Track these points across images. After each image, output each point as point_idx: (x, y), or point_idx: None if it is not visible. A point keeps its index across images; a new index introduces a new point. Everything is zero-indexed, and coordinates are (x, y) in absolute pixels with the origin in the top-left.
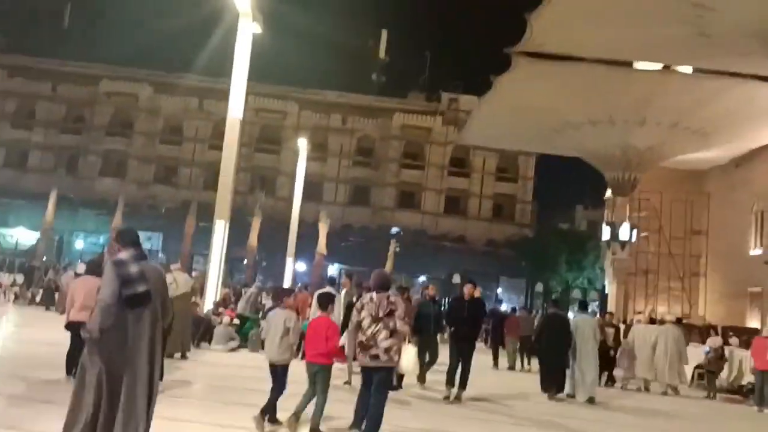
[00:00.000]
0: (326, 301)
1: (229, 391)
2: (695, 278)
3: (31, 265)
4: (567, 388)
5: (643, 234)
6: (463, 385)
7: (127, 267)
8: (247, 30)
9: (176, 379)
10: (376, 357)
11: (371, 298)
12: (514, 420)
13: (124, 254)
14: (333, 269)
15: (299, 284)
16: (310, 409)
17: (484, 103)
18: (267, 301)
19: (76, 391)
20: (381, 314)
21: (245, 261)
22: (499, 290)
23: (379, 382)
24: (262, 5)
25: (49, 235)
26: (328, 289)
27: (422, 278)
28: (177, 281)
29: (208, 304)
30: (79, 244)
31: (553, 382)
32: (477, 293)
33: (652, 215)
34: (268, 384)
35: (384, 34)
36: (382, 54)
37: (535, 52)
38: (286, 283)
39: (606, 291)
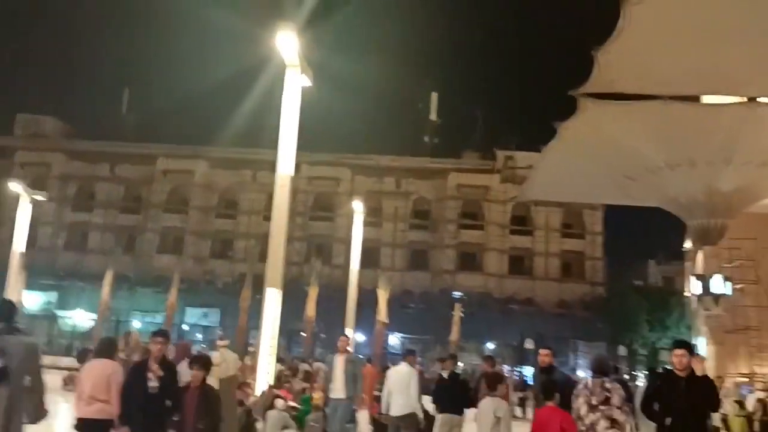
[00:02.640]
0: (552, 389)
1: None
2: None
3: (85, 348)
4: None
5: (738, 286)
6: None
7: None
8: (295, 81)
9: None
10: None
11: (586, 385)
12: None
13: None
14: (394, 339)
15: (361, 357)
16: None
17: (547, 153)
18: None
19: None
20: (596, 402)
21: (303, 334)
22: (574, 355)
23: None
24: (312, 71)
25: (106, 316)
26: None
27: (490, 344)
28: (227, 360)
29: (260, 385)
30: (136, 324)
31: None
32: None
33: (746, 265)
34: None
35: (434, 96)
36: (433, 116)
37: (602, 93)
38: None
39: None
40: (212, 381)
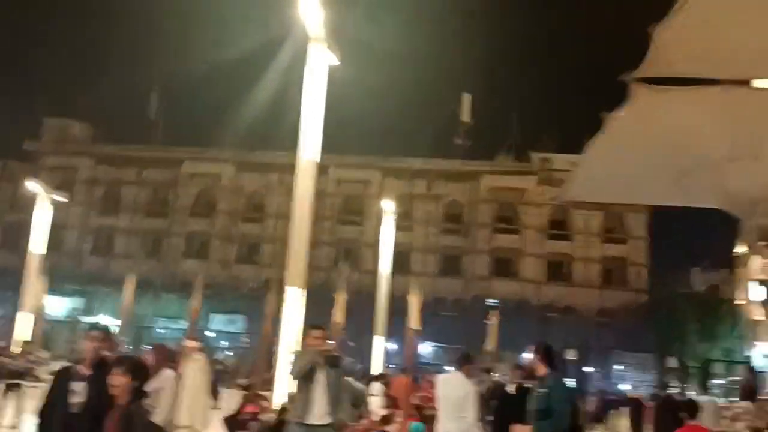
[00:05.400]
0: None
1: None
2: None
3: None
4: None
5: None
6: None
7: None
8: (320, 56)
9: None
10: None
11: (747, 409)
12: None
13: None
14: (425, 347)
15: (390, 366)
16: None
17: (592, 148)
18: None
19: None
20: (764, 425)
21: (331, 342)
22: (619, 366)
23: None
24: (344, 69)
25: (128, 321)
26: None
27: (527, 355)
28: (195, 368)
29: (277, 397)
30: (160, 330)
31: None
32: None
33: None
34: None
35: (466, 97)
36: (465, 117)
37: (657, 78)
38: (376, 366)
39: (753, 364)
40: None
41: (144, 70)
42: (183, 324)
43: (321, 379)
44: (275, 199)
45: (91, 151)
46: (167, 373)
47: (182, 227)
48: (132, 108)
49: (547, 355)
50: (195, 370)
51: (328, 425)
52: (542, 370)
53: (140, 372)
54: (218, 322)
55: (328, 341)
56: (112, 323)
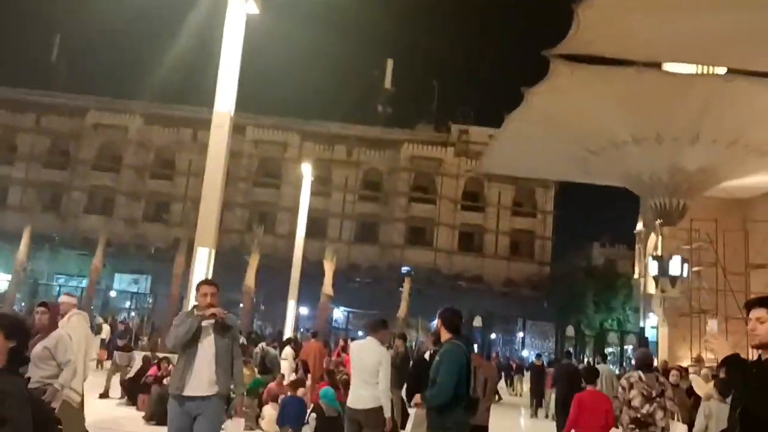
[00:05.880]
0: (595, 374)
1: None
2: None
3: None
4: None
5: (696, 268)
6: None
7: None
8: (240, 5)
9: None
10: None
11: (640, 377)
12: None
13: None
14: (338, 313)
15: (303, 330)
16: None
17: (510, 121)
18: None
19: None
20: (655, 394)
21: (241, 305)
22: (521, 334)
23: None
24: (265, 28)
25: (22, 278)
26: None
27: (436, 322)
28: (74, 334)
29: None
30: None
31: None
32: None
33: (705, 247)
34: None
35: (390, 63)
36: (388, 84)
37: (576, 55)
38: (288, 329)
39: (646, 335)
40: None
41: (49, 10)
42: (84, 282)
43: (207, 346)
44: (187, 156)
45: None
46: (58, 333)
47: (84, 181)
48: (35, 51)
49: (450, 320)
50: (72, 329)
51: (212, 396)
52: (445, 335)
53: (17, 332)
54: (123, 281)
55: (215, 302)
56: (3, 279)
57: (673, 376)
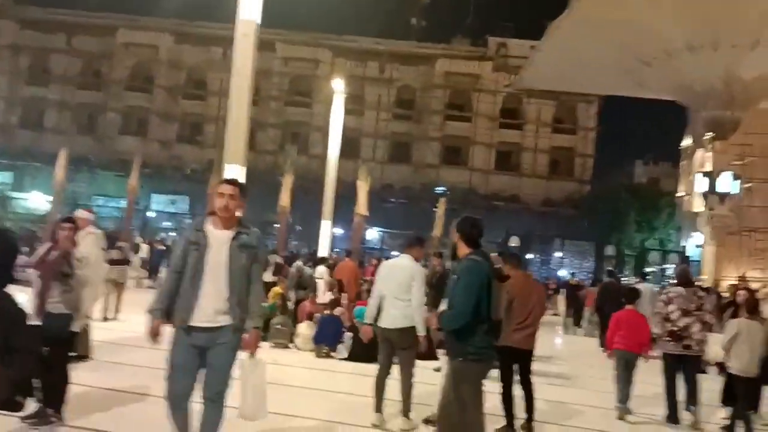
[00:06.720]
0: (635, 294)
1: None
2: None
3: (31, 230)
4: None
5: (747, 185)
6: None
7: None
8: None
9: None
10: (689, 347)
11: (680, 293)
12: None
13: None
14: (373, 233)
15: (338, 251)
16: None
17: (553, 31)
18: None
19: None
20: (693, 308)
21: (276, 225)
22: (559, 254)
23: (692, 369)
24: None
25: (61, 199)
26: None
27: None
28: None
29: None
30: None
31: None
32: None
33: (757, 163)
34: None
35: None
36: None
37: None
38: (323, 249)
39: (688, 254)
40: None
41: None
42: (123, 203)
43: (216, 267)
44: (219, 76)
45: (14, 14)
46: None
47: (118, 102)
48: None
49: (468, 232)
50: (88, 247)
51: (224, 327)
52: (463, 250)
53: (4, 249)
54: (160, 202)
55: (233, 205)
56: (45, 200)
57: (740, 296)
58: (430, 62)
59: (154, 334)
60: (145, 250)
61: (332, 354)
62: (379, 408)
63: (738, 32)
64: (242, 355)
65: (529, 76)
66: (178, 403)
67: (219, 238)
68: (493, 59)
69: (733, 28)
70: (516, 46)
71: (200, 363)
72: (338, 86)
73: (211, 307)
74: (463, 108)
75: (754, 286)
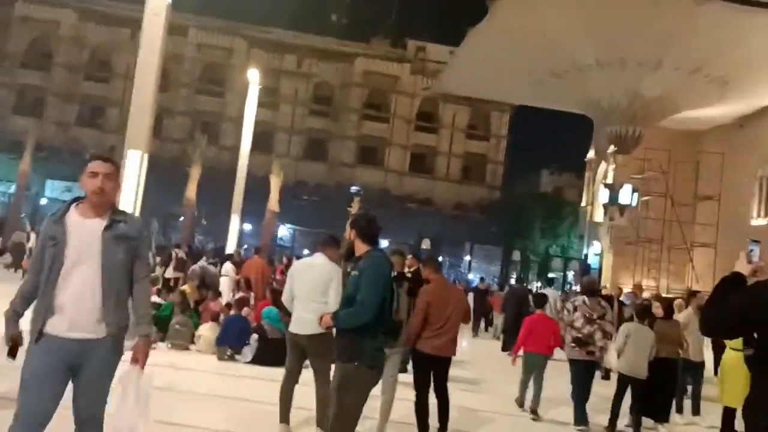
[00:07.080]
0: (543, 299)
1: None
2: (703, 249)
3: None
4: None
5: (645, 198)
6: None
7: None
8: None
9: None
10: (592, 353)
11: (584, 302)
12: None
13: None
14: (284, 230)
15: (246, 246)
16: None
17: (473, 36)
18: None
19: None
20: (596, 316)
21: (182, 218)
22: (468, 257)
23: (593, 374)
24: None
25: None
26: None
27: (385, 243)
28: None
29: None
30: None
31: None
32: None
33: (656, 177)
34: None
35: None
36: None
37: None
38: (231, 245)
39: (588, 262)
40: None
41: None
42: (13, 188)
43: (88, 264)
44: (125, 58)
45: None
46: None
47: (11, 78)
48: None
49: (365, 229)
50: None
51: (98, 339)
52: (361, 247)
53: None
54: (55, 188)
55: (108, 187)
56: None
57: (657, 308)
58: (349, 60)
59: (12, 344)
60: (33, 240)
61: (236, 357)
62: (284, 419)
63: (644, 52)
64: (125, 367)
65: (447, 80)
66: (33, 428)
67: (88, 230)
68: (411, 62)
69: (640, 47)
70: (434, 50)
71: (66, 379)
72: (253, 77)
73: (78, 314)
74: (380, 108)
75: (667, 296)
